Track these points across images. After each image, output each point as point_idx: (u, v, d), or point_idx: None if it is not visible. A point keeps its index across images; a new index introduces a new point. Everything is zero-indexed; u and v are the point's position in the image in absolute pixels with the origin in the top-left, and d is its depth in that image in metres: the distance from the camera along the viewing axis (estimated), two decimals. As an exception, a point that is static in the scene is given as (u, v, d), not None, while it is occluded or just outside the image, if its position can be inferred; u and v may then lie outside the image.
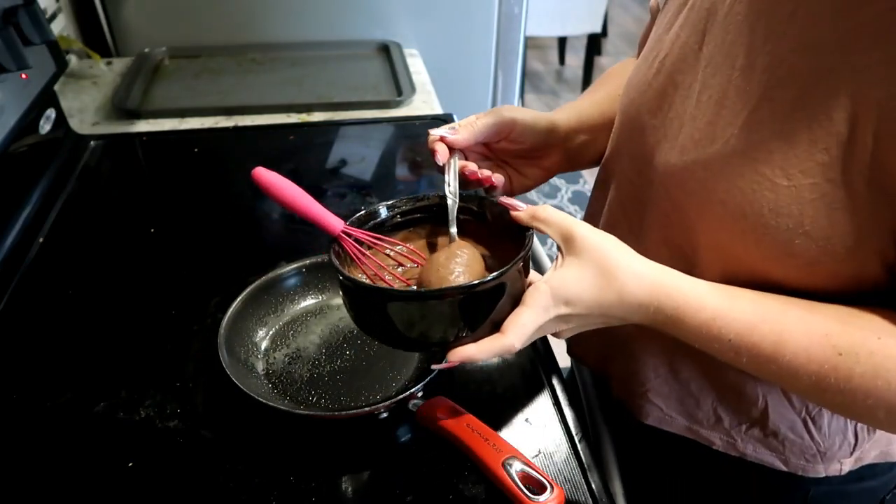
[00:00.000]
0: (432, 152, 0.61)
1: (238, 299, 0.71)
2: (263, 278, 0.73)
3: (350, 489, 0.61)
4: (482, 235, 0.61)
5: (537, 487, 0.54)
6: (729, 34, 0.51)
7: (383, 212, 0.62)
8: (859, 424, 0.61)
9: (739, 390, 0.61)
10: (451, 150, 0.62)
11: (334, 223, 0.57)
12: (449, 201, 0.60)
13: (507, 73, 1.67)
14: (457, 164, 0.61)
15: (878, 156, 0.43)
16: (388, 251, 0.61)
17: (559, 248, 0.53)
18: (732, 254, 0.52)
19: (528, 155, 0.68)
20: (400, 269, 0.61)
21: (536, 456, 0.63)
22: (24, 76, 0.91)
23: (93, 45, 1.40)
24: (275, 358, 0.71)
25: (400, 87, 1.31)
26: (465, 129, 0.62)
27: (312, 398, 0.67)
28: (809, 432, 0.61)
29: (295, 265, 0.76)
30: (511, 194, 0.67)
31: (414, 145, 1.17)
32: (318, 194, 1.01)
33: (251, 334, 0.72)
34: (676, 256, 0.57)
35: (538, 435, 0.65)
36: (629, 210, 0.63)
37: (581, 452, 0.63)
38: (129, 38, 1.45)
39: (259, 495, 0.59)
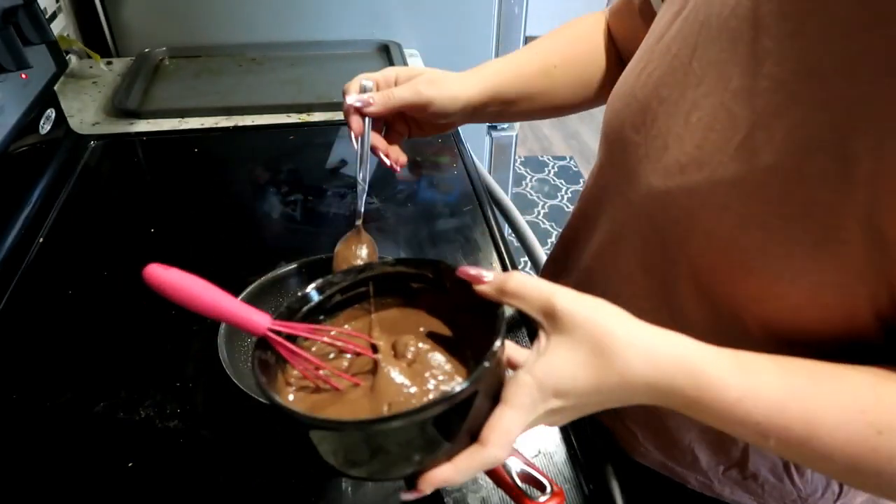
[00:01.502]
0: (346, 120, 0.61)
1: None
2: (263, 278, 0.73)
3: (350, 489, 0.61)
4: (442, 307, 0.51)
5: (537, 487, 0.54)
6: (724, 51, 0.47)
7: (315, 295, 0.50)
8: None
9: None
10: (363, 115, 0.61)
11: (258, 321, 0.45)
12: (359, 188, 0.59)
13: (507, 73, 1.67)
14: (368, 140, 0.61)
15: (876, 199, 0.39)
16: (327, 340, 0.50)
17: (540, 326, 0.43)
18: (715, 290, 0.49)
19: (434, 120, 0.68)
20: (346, 363, 0.50)
21: (536, 456, 0.63)
22: (24, 76, 0.91)
23: (93, 45, 1.40)
24: (275, 358, 0.71)
25: (400, 87, 1.31)
26: (381, 101, 0.61)
27: (312, 398, 0.67)
28: (791, 477, 0.59)
29: (295, 265, 0.76)
30: (407, 137, 0.67)
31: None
32: (318, 194, 1.02)
33: (251, 334, 0.72)
34: (655, 285, 0.54)
35: (538, 435, 0.65)
36: (609, 230, 0.60)
37: (581, 453, 0.63)
38: (129, 38, 1.45)
39: (259, 495, 0.59)
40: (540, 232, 2.66)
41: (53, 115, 1.04)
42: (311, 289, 0.50)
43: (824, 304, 0.44)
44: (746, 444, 0.58)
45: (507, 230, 1.13)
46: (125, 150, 1.15)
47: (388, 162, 0.64)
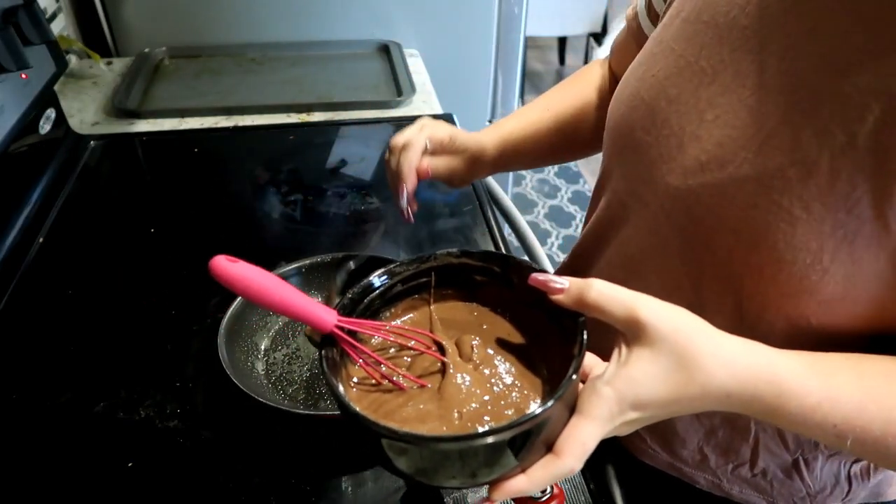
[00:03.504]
0: (404, 175, 0.65)
1: (238, 299, 0.71)
2: (263, 278, 0.73)
3: (350, 489, 0.61)
4: (506, 303, 0.50)
5: (537, 487, 0.54)
6: (736, 50, 0.47)
7: (377, 285, 0.49)
8: (854, 470, 0.59)
9: (731, 426, 0.59)
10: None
11: (325, 317, 0.44)
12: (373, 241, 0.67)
13: (507, 73, 1.67)
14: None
15: None
16: (391, 337, 0.49)
17: (620, 335, 0.42)
18: (744, 288, 0.49)
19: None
20: (408, 359, 0.48)
21: (536, 456, 0.63)
22: (24, 76, 0.91)
23: (93, 45, 1.40)
24: (275, 358, 0.71)
25: (400, 87, 1.31)
26: (433, 172, 0.68)
27: (312, 398, 0.67)
28: (800, 474, 0.59)
29: (295, 265, 0.76)
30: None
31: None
32: (318, 194, 1.02)
33: (251, 334, 0.72)
34: (672, 286, 0.54)
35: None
36: (618, 231, 0.60)
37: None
38: (129, 38, 1.45)
39: (259, 495, 0.59)
40: (540, 232, 2.66)
41: (53, 115, 1.04)
42: (373, 277, 0.48)
43: (855, 298, 0.44)
44: (756, 442, 0.58)
45: (507, 230, 1.13)
46: (125, 150, 1.15)
47: (407, 214, 0.67)
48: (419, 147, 0.66)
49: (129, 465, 0.62)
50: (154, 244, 0.92)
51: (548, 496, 0.53)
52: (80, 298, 0.82)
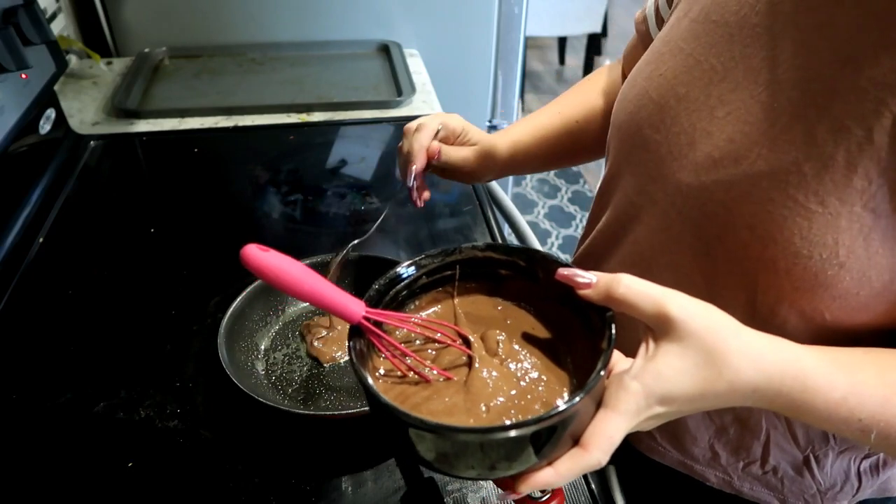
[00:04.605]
0: (411, 155, 0.66)
1: (238, 299, 0.71)
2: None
3: (350, 489, 0.61)
4: (531, 297, 0.50)
5: (537, 487, 0.54)
6: (747, 47, 0.48)
7: (405, 273, 0.49)
8: (863, 466, 0.59)
9: (742, 424, 0.59)
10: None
11: (354, 308, 0.44)
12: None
13: (507, 73, 1.67)
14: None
15: None
16: (417, 330, 0.49)
17: (648, 330, 0.41)
18: (758, 283, 0.49)
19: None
20: (432, 352, 0.48)
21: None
22: (24, 76, 0.91)
23: (93, 45, 1.40)
24: (275, 358, 0.71)
25: (400, 87, 1.31)
26: (444, 156, 0.69)
27: (312, 398, 0.67)
28: (811, 471, 0.59)
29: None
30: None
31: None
32: (318, 194, 1.02)
33: (251, 334, 0.72)
34: (685, 283, 0.53)
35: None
36: (628, 231, 0.60)
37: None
38: (129, 38, 1.45)
39: (259, 495, 0.59)
40: (540, 232, 2.66)
41: (53, 115, 1.04)
42: (400, 269, 0.48)
43: (870, 292, 0.45)
44: (767, 439, 0.59)
45: (507, 230, 1.13)
46: (125, 150, 1.15)
47: (415, 196, 0.69)
48: (431, 129, 0.67)
49: (129, 465, 0.62)
50: (154, 244, 0.92)
51: (547, 496, 0.53)
52: (80, 298, 0.82)
